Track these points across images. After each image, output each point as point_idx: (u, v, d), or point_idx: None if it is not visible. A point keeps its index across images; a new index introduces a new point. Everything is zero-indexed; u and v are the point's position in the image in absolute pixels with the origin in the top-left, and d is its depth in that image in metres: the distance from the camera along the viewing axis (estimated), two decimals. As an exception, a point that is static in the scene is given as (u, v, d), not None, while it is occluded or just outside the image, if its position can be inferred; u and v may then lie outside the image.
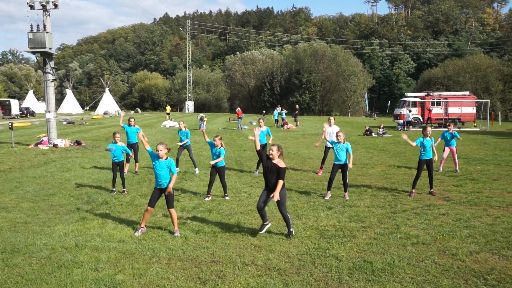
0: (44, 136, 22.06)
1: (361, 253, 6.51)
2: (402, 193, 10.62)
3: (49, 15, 20.62)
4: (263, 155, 7.29)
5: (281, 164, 7.00)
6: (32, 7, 20.52)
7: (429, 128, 10.57)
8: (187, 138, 13.82)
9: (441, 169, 13.75)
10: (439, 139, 13.71)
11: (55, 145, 20.65)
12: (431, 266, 5.97)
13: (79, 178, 12.92)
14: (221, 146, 9.98)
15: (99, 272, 5.84)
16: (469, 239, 7.05)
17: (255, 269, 5.92)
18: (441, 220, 8.16)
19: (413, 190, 10.54)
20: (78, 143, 21.87)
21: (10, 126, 21.95)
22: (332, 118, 13.57)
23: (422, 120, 35.10)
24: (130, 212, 8.98)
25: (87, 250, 6.65)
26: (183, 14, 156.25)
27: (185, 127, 14.00)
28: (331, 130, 12.97)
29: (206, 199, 10.10)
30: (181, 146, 14.02)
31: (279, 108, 39.39)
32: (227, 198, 10.18)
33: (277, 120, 37.24)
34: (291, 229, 7.27)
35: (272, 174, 7.02)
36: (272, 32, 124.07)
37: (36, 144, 20.92)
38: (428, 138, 10.37)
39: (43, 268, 5.94)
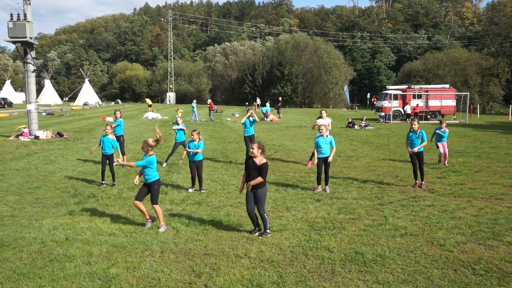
0: (25, 128, 21.65)
1: (352, 244, 6.62)
2: (387, 185, 10.78)
3: (29, 3, 20.14)
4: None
5: (263, 161, 6.84)
6: (12, -5, 20.00)
7: (416, 122, 10.67)
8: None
9: (446, 163, 13.73)
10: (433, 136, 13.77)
11: (36, 137, 20.29)
12: (421, 256, 6.12)
13: (63, 170, 12.75)
14: (200, 139, 10.09)
15: (92, 265, 5.81)
16: (455, 230, 7.23)
17: (249, 262, 5.97)
18: (428, 212, 8.34)
19: (416, 181, 10.64)
20: (60, 134, 21.53)
21: (-11, 118, 21.46)
22: (324, 111, 13.61)
23: (402, 113, 35.57)
24: (119, 205, 8.92)
25: (78, 243, 6.60)
26: (164, 4, 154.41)
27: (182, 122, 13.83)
28: (323, 122, 13.05)
29: (191, 190, 10.23)
30: (177, 142, 13.67)
31: (258, 100, 39.27)
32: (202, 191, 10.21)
33: (265, 114, 36.81)
34: (267, 230, 7.01)
35: (254, 172, 6.85)
36: (254, 24, 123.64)
37: (17, 136, 20.51)
38: (414, 131, 10.47)
39: (35, 262, 5.88)
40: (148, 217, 7.53)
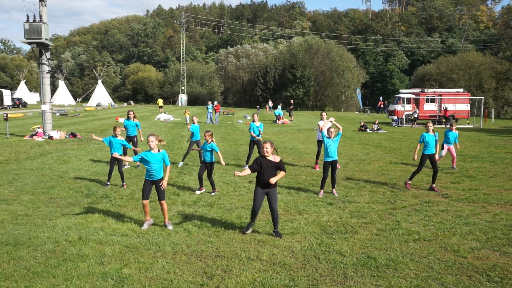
0: (39, 128, 21.91)
1: (364, 248, 6.58)
2: (400, 189, 10.70)
3: (45, 5, 20.42)
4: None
5: (277, 158, 7.04)
6: (28, -3, 20.32)
7: (430, 124, 10.65)
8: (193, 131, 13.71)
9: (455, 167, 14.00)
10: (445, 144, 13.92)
11: (50, 137, 20.52)
12: (434, 262, 6.05)
13: (77, 170, 12.87)
14: (212, 141, 10.08)
15: (105, 265, 5.85)
16: (469, 236, 7.14)
17: (261, 264, 5.96)
18: (441, 217, 8.25)
19: (409, 182, 10.80)
20: (73, 135, 21.75)
21: (5, 117, 21.76)
22: (324, 113, 13.67)
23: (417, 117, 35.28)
24: (131, 206, 8.97)
25: (91, 243, 6.65)
26: (177, 6, 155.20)
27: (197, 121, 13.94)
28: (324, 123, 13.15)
29: (198, 192, 10.21)
30: (192, 140, 13.77)
31: (270, 103, 39.25)
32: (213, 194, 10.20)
33: (277, 116, 36.57)
34: (278, 228, 7.20)
35: (271, 170, 6.94)
36: (266, 26, 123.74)
37: (31, 136, 20.77)
38: (431, 134, 10.45)
39: (49, 261, 5.94)
40: (148, 217, 7.60)
